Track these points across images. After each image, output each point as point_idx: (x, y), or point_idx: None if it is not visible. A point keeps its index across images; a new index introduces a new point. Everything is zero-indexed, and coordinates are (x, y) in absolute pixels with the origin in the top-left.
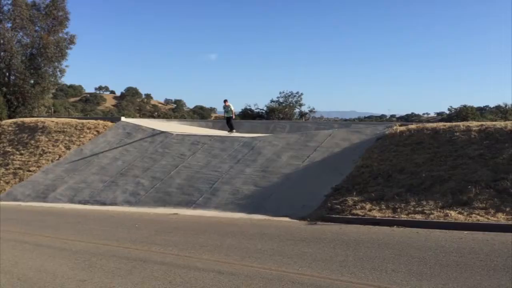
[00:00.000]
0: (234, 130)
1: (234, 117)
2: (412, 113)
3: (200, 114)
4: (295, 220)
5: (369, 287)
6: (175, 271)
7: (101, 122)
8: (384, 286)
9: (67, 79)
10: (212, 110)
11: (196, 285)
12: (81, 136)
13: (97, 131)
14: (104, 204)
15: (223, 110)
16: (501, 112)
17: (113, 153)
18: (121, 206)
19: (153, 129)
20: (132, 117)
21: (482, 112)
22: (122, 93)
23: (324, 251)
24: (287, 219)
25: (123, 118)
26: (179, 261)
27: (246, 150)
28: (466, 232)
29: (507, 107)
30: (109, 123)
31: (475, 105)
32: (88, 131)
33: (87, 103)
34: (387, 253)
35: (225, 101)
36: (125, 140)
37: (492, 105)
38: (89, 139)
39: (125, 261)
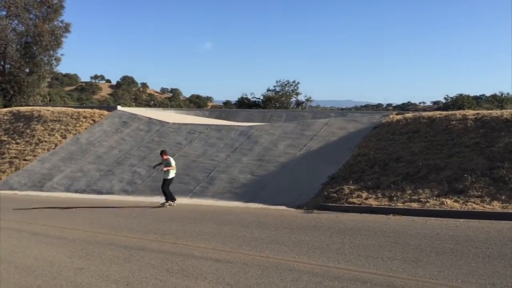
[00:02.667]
0: (170, 202)
1: (171, 176)
2: (409, 102)
3: (196, 103)
4: (292, 209)
5: (365, 274)
6: (172, 259)
7: (97, 111)
8: (381, 273)
9: (62, 68)
10: (208, 99)
11: (194, 273)
12: (77, 125)
13: (93, 120)
14: (100, 193)
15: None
16: (497, 101)
17: (110, 142)
18: (118, 195)
19: (150, 118)
20: (128, 106)
21: (478, 101)
22: (118, 82)
23: (321, 239)
24: (283, 207)
25: (119, 107)
26: (176, 249)
27: (243, 139)
28: (461, 220)
29: (503, 95)
30: (105, 112)
31: (472, 94)
32: (84, 120)
33: (82, 92)
34: (383, 241)
35: (164, 153)
36: (121, 129)
37: (488, 93)
38: (85, 128)
39: (122, 250)
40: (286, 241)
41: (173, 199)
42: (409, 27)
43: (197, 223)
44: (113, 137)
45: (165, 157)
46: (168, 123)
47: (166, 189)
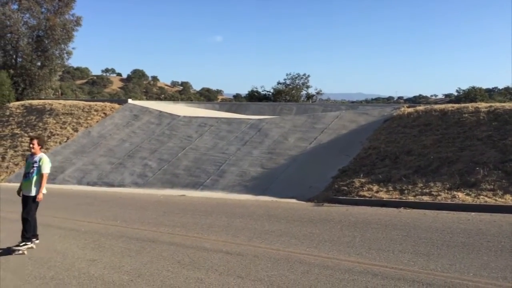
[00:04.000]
0: (28, 244)
1: (41, 194)
2: (420, 95)
3: (207, 96)
4: (302, 202)
5: (376, 267)
6: (183, 251)
7: (108, 104)
8: (391, 266)
9: (73, 62)
10: (219, 92)
11: (205, 265)
12: (89, 118)
13: (105, 113)
14: (112, 185)
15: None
16: (510, 93)
17: (121, 135)
18: (129, 188)
19: (160, 111)
20: (139, 100)
21: (490, 93)
22: (128, 76)
23: (331, 232)
24: (294, 200)
25: (130, 100)
26: (187, 241)
27: (253, 132)
28: (473, 213)
29: None
30: (116, 105)
31: (484, 87)
32: (95, 113)
33: (94, 86)
34: (394, 234)
35: (35, 140)
36: (132, 122)
37: (501, 86)
38: (97, 121)
39: (134, 242)
40: (296, 234)
41: (35, 236)
42: (420, 18)
43: (208, 216)
44: (124, 130)
45: (34, 146)
46: (179, 116)
47: (33, 215)
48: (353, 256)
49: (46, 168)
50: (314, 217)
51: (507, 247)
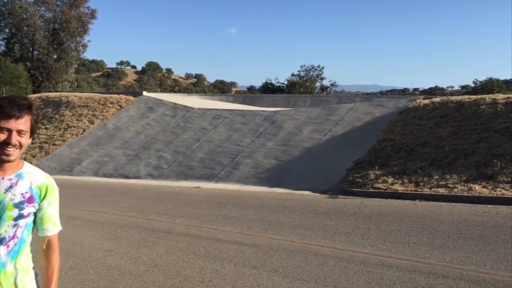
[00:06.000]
0: None
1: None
2: (436, 86)
3: (221, 89)
4: (317, 194)
5: (391, 259)
6: (198, 242)
7: (123, 96)
8: (407, 258)
9: (89, 54)
10: (233, 84)
11: (220, 256)
12: (104, 110)
13: (120, 105)
14: (127, 177)
15: None
16: None
17: (136, 127)
18: (144, 179)
19: (175, 104)
20: (154, 92)
21: (508, 84)
22: (143, 68)
23: (346, 224)
24: (308, 192)
25: (144, 93)
26: (202, 232)
27: (267, 124)
28: (490, 206)
29: None
30: (131, 98)
31: (501, 78)
32: (111, 105)
33: (109, 78)
34: (409, 226)
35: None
36: (147, 114)
37: None
38: (112, 114)
39: (150, 232)
40: (311, 226)
41: None
42: (435, 9)
43: (223, 207)
44: (139, 122)
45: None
46: (193, 108)
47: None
48: (368, 248)
49: (55, 219)
50: (328, 209)
51: None
